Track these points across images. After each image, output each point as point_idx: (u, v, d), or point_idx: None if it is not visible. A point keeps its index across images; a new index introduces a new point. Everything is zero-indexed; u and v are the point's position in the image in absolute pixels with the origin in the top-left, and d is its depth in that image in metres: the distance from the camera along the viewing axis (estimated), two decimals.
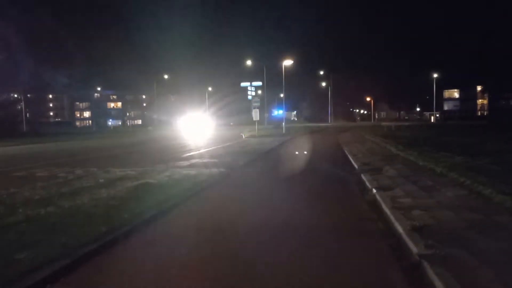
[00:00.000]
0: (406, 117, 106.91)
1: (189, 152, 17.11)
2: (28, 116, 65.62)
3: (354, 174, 10.34)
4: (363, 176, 9.32)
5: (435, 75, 73.46)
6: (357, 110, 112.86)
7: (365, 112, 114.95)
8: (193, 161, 13.29)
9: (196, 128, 41.15)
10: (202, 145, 21.86)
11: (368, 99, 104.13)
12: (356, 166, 11.39)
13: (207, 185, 8.74)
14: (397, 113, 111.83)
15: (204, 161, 13.20)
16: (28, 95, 65.94)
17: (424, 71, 77.87)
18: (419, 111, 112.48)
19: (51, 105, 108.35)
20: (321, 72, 76.88)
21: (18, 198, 7.05)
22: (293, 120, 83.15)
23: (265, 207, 7.02)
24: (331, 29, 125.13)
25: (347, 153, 15.31)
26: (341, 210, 6.62)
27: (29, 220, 5.49)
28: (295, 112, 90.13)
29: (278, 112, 74.87)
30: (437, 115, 79.15)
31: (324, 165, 13.46)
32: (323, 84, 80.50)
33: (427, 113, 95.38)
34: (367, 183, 8.41)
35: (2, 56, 33.56)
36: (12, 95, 67.04)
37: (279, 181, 10.05)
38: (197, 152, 17.30)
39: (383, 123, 60.60)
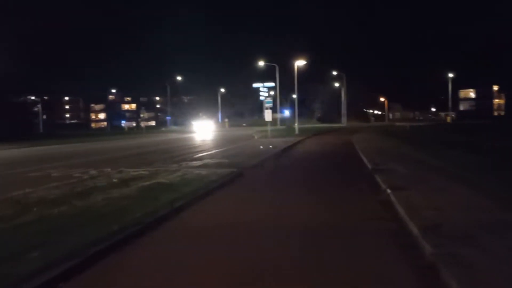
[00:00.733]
0: (421, 118, 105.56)
1: (201, 153, 17.17)
2: (45, 118, 66.69)
3: (367, 174, 10.25)
4: (376, 176, 9.23)
5: (451, 75, 72.43)
6: (371, 111, 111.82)
7: (379, 112, 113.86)
8: (205, 161, 13.33)
9: (208, 129, 41.28)
10: (214, 146, 21.93)
11: (382, 99, 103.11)
12: (369, 166, 11.29)
13: (218, 184, 8.75)
14: (412, 114, 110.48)
15: (216, 161, 13.23)
16: (45, 97, 67.04)
17: (439, 70, 76.70)
18: (434, 111, 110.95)
19: (67, 107, 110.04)
20: (334, 73, 76.35)
21: (33, 197, 7.16)
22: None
23: (276, 207, 6.99)
24: (344, 28, 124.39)
25: (360, 153, 15.17)
26: (354, 210, 6.56)
27: (43, 219, 5.56)
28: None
29: (285, 114, 74.34)
30: (453, 115, 78.01)
31: (336, 165, 13.39)
32: (336, 84, 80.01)
33: (442, 113, 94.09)
34: (381, 183, 8.32)
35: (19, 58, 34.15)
36: (29, 97, 68.32)
37: (290, 181, 10.02)
38: (209, 152, 17.35)
39: (397, 124, 59.97)
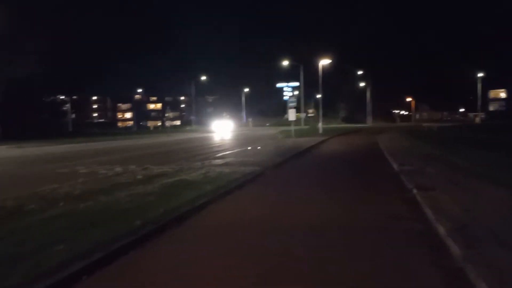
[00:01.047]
0: (449, 118, 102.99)
1: (225, 151, 17.23)
2: (73, 117, 68.39)
3: (392, 174, 10.05)
4: (401, 176, 9.05)
5: (480, 75, 70.39)
6: (397, 111, 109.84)
7: (406, 113, 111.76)
8: (228, 160, 13.36)
9: (227, 128, 41.47)
10: (237, 145, 21.97)
11: (408, 99, 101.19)
12: (394, 166, 11.07)
13: (240, 183, 8.73)
14: (440, 114, 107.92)
15: (238, 160, 13.23)
16: (74, 97, 68.74)
17: (469, 70, 74.63)
18: (462, 112, 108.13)
19: (95, 106, 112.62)
20: (360, 72, 75.41)
21: (59, 193, 7.33)
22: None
23: (298, 206, 6.92)
24: (370, 27, 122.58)
25: (385, 153, 14.91)
26: (379, 210, 6.43)
27: (69, 214, 5.68)
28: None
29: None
30: (482, 116, 75.69)
31: (361, 165, 13.19)
32: (362, 84, 79.03)
33: (471, 114, 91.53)
34: (406, 183, 8.14)
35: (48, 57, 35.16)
36: (59, 96, 70.20)
37: (313, 181, 9.92)
38: (232, 151, 17.40)
39: (424, 124, 58.73)
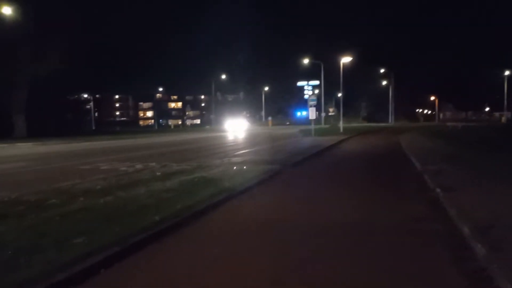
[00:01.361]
0: (473, 118, 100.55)
1: (244, 149, 17.22)
2: (96, 115, 69.69)
3: (415, 174, 9.83)
4: (424, 176, 8.83)
5: (507, 73, 68.47)
6: (420, 110, 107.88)
7: (429, 112, 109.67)
8: (247, 157, 13.34)
9: (240, 127, 41.44)
10: (257, 143, 21.95)
11: (432, 98, 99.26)
12: (417, 166, 10.82)
13: (259, 181, 8.69)
14: (464, 113, 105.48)
15: (257, 158, 13.19)
16: (97, 95, 70.02)
17: (495, 68, 72.68)
18: (488, 111, 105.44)
19: (117, 105, 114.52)
20: (382, 70, 74.34)
21: (81, 188, 7.43)
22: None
23: (317, 205, 6.83)
24: (392, 24, 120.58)
25: (408, 153, 14.62)
26: (401, 210, 6.29)
27: (88, 208, 5.74)
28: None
29: (301, 114, 72.80)
30: (509, 115, 73.53)
31: (382, 164, 12.96)
32: (384, 82, 77.93)
33: (497, 114, 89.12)
34: (429, 183, 7.95)
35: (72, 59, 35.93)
36: (82, 95, 71.71)
37: (332, 180, 9.80)
38: (252, 149, 17.37)
39: (448, 124, 57.51)
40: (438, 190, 6.98)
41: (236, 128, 45.57)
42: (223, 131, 45.41)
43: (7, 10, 27.57)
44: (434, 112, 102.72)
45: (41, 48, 34.14)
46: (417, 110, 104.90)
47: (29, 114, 36.86)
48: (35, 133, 35.52)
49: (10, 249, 4.01)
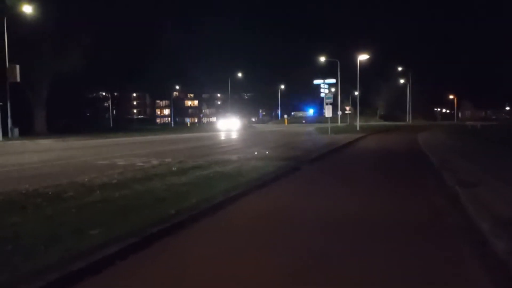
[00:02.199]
0: (493, 117, 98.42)
1: (259, 146, 17.19)
2: (114, 112, 70.55)
3: (433, 171, 9.68)
4: (443, 173, 8.68)
5: None
6: (438, 109, 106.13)
7: (447, 111, 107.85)
8: (263, 154, 13.31)
9: (233, 127, 40.96)
10: (273, 140, 21.90)
11: (451, 96, 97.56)
12: (436, 163, 10.65)
13: (274, 176, 8.66)
14: (483, 112, 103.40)
15: (273, 154, 13.15)
16: (115, 93, 70.85)
17: None
18: (508, 110, 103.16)
19: (134, 103, 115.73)
20: (400, 68, 73.30)
21: (98, 182, 7.52)
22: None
23: (333, 200, 6.78)
24: (411, 22, 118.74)
25: (426, 151, 14.39)
26: (419, 206, 6.23)
27: (105, 201, 5.80)
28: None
29: (309, 112, 71.84)
30: None
31: (400, 162, 12.81)
32: (401, 81, 76.85)
33: None
34: (448, 180, 7.81)
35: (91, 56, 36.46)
36: (101, 93, 72.73)
37: (349, 176, 9.71)
38: (268, 146, 17.33)
39: (467, 123, 56.45)
40: (457, 187, 6.85)
41: (229, 127, 42.95)
42: (240, 129, 45.44)
43: (28, 9, 28.12)
44: (452, 111, 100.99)
45: (63, 46, 34.72)
46: (435, 109, 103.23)
47: (49, 111, 37.52)
48: (55, 130, 36.17)
49: (30, 238, 4.08)
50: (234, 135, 30.47)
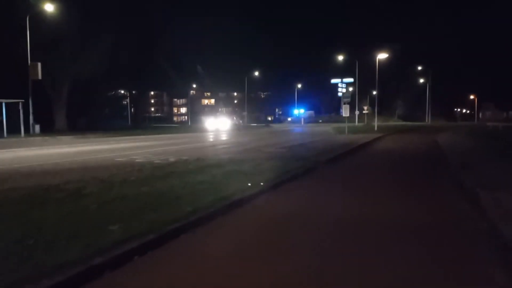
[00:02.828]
0: None
1: (276, 146, 17.17)
2: (132, 111, 71.28)
3: (453, 173, 9.50)
4: (463, 176, 8.51)
5: None
6: (458, 109, 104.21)
7: (467, 111, 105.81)
8: (279, 153, 13.29)
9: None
10: (289, 140, 21.85)
11: (471, 97, 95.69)
12: (456, 165, 10.46)
13: (291, 176, 8.64)
14: (505, 113, 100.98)
15: (290, 154, 13.11)
16: (133, 92, 71.58)
17: None
18: None
19: (152, 101, 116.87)
20: (419, 68, 72.21)
21: (116, 178, 7.61)
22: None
23: (349, 201, 6.73)
24: (431, 20, 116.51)
25: (446, 152, 14.16)
26: (438, 209, 6.13)
27: (124, 197, 5.87)
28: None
29: (299, 112, 70.84)
30: None
31: (419, 163, 12.62)
32: (421, 80, 75.72)
33: None
34: (468, 182, 7.65)
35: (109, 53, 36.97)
36: (119, 91, 73.61)
37: (366, 177, 9.62)
38: (284, 146, 17.30)
39: (488, 123, 55.27)
40: (478, 189, 6.71)
41: (219, 127, 41.59)
42: (257, 127, 45.46)
43: (50, 7, 28.67)
44: (473, 112, 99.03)
45: (84, 46, 35.30)
46: (455, 109, 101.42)
47: (69, 108, 38.19)
48: (74, 127, 36.81)
49: (51, 233, 4.16)
50: (251, 134, 30.48)
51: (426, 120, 71.57)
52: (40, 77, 28.65)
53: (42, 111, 32.24)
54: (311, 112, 79.25)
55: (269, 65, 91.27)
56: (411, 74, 75.81)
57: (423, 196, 7.16)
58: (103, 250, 3.73)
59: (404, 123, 64.14)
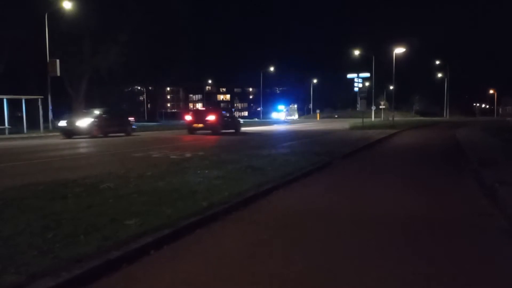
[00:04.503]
0: None
1: (291, 141, 17.13)
2: (149, 106, 71.95)
3: (473, 169, 9.33)
4: (482, 172, 8.34)
5: None
6: (477, 104, 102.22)
7: (487, 106, 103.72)
8: (295, 149, 13.25)
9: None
10: (304, 135, 21.78)
11: (491, 91, 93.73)
12: (475, 161, 10.26)
13: (307, 171, 8.61)
14: None
15: (305, 149, 13.05)
16: (150, 87, 72.20)
17: None
18: None
19: (168, 97, 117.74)
20: (437, 62, 70.99)
21: (133, 173, 7.70)
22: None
23: (365, 197, 6.68)
24: (449, 13, 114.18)
25: (465, 148, 13.88)
26: (457, 205, 6.06)
27: (140, 192, 5.94)
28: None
29: (280, 108, 69.96)
30: None
31: (438, 160, 12.45)
32: (439, 75, 74.44)
33: None
34: (488, 178, 7.50)
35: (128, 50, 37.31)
36: (136, 87, 74.33)
37: (382, 173, 9.52)
38: (299, 141, 17.25)
39: (508, 118, 54.08)
40: (497, 185, 6.57)
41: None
42: (270, 123, 45.42)
43: (68, 5, 29.05)
44: (492, 107, 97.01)
45: (102, 42, 35.70)
46: (474, 104, 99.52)
47: (87, 104, 38.72)
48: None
49: (69, 227, 4.23)
50: (266, 129, 30.45)
51: (444, 115, 70.45)
52: (58, 73, 29.11)
53: (61, 108, 32.78)
54: (293, 106, 76.84)
55: (285, 60, 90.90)
56: (429, 69, 74.60)
57: (442, 191, 7.05)
58: (120, 244, 3.78)
59: (421, 118, 63.18)
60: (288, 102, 77.47)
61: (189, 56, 56.01)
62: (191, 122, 24.04)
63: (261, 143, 16.39)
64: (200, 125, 23.27)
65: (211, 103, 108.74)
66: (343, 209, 5.74)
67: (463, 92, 79.98)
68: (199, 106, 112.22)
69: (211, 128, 23.08)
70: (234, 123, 26.41)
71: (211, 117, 23.42)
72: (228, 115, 28.82)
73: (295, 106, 74.99)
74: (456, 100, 76.09)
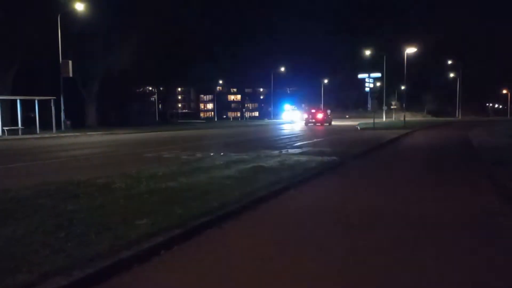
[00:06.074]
0: None
1: (302, 141, 17.08)
2: (160, 107, 72.27)
3: (486, 169, 9.21)
4: (497, 173, 8.23)
5: None
6: (490, 104, 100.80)
7: (500, 106, 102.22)
8: (306, 149, 13.21)
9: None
10: (316, 136, 21.69)
11: (504, 91, 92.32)
12: (488, 161, 10.12)
13: (317, 171, 8.57)
14: None
15: (316, 149, 13.01)
16: (161, 88, 72.54)
17: None
18: None
19: (179, 97, 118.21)
20: (449, 62, 70.18)
21: (145, 173, 7.73)
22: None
23: (377, 197, 6.62)
24: (461, 12, 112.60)
25: (478, 148, 13.70)
26: (470, 204, 5.99)
27: (151, 192, 5.96)
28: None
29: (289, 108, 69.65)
30: None
31: (451, 160, 12.32)
32: (451, 75, 73.57)
33: None
34: (501, 178, 7.40)
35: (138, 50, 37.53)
36: (147, 87, 74.69)
37: (393, 173, 9.44)
38: (310, 141, 17.19)
39: None
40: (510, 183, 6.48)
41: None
42: (281, 123, 45.37)
43: (80, 6, 29.32)
44: (505, 107, 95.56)
45: (114, 44, 35.98)
46: (487, 104, 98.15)
47: (99, 105, 39.05)
48: (104, 123, 37.65)
49: (81, 226, 4.26)
50: (277, 130, 30.42)
51: (457, 115, 69.64)
52: (71, 74, 29.40)
53: (73, 108, 33.10)
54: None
55: (297, 61, 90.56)
56: (441, 68, 73.78)
57: (455, 192, 6.95)
58: (131, 244, 3.79)
59: (433, 118, 62.61)
60: (298, 102, 77.33)
61: (200, 57, 56.17)
62: (308, 118, 38.59)
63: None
64: (313, 120, 37.76)
65: (222, 103, 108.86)
66: (355, 210, 5.68)
67: (475, 92, 78.80)
68: (210, 106, 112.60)
69: (320, 122, 37.30)
70: (329, 119, 40.35)
71: (319, 115, 38.41)
72: (328, 113, 41.97)
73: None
74: (468, 100, 75.13)
